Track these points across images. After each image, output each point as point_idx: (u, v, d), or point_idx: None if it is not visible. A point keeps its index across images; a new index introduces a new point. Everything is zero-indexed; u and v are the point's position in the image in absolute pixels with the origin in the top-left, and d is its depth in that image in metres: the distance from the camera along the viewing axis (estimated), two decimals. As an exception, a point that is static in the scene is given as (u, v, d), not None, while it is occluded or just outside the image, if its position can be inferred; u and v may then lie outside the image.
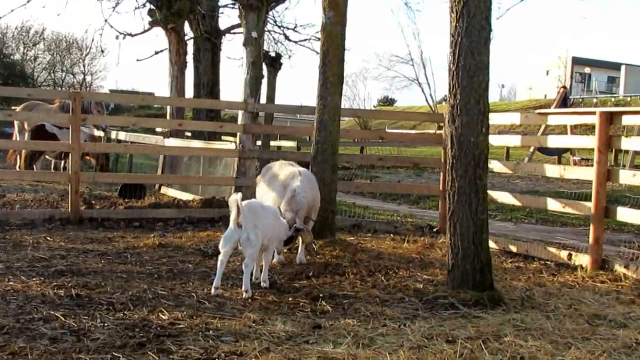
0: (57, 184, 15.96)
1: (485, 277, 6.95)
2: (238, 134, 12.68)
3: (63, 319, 5.87)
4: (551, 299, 7.08)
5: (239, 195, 6.94)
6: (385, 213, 14.90)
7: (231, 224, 6.98)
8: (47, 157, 18.60)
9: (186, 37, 22.56)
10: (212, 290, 6.99)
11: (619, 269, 8.34)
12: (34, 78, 70.12)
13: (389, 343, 5.47)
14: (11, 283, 7.09)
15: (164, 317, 6.07)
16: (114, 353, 5.05)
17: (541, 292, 7.43)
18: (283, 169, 9.29)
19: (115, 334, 5.51)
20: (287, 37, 27.61)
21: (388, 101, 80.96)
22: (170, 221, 11.74)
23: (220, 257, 7.08)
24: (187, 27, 22.57)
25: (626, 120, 8.93)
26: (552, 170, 10.47)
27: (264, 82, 20.01)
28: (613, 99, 55.52)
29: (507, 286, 7.65)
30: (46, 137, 16.89)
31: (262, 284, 7.40)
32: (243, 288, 6.97)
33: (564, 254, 9.15)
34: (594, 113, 8.91)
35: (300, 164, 9.92)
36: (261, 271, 7.55)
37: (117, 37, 22.73)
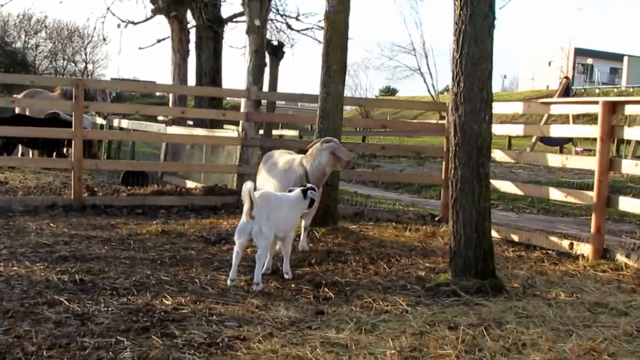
0: (58, 171, 15.98)
1: (487, 264, 6.97)
2: (241, 121, 12.69)
3: (67, 303, 5.91)
4: (553, 287, 7.10)
5: (251, 185, 6.76)
6: (387, 202, 14.92)
7: (244, 216, 6.86)
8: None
9: (188, 25, 22.59)
10: (229, 282, 6.88)
11: (621, 258, 8.36)
12: (35, 66, 70.17)
13: (392, 329, 5.51)
14: (15, 268, 7.14)
15: (167, 302, 6.11)
16: (118, 337, 5.08)
17: (543, 280, 7.46)
18: (282, 157, 9.37)
19: (119, 319, 5.56)
20: (289, 26, 27.68)
21: (390, 91, 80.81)
22: (173, 208, 11.77)
23: (235, 249, 6.98)
24: (189, 15, 22.59)
25: (629, 110, 8.96)
26: (555, 159, 10.50)
27: (266, 70, 20.05)
28: (615, 90, 55.43)
29: (509, 274, 7.69)
30: (61, 125, 16.70)
31: (285, 276, 7.28)
32: (254, 280, 6.82)
33: (565, 243, 9.18)
34: (596, 102, 8.92)
35: (303, 153, 9.95)
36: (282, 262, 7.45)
37: (119, 26, 22.85)
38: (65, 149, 16.93)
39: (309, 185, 7.79)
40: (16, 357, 4.65)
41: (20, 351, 4.73)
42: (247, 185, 6.74)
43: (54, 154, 16.95)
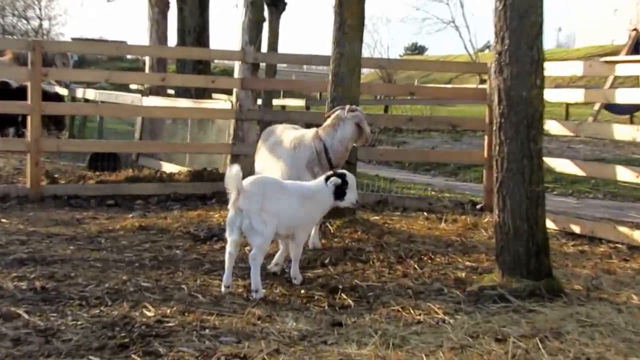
0: (10, 154, 16.00)
1: (542, 262, 6.98)
2: (234, 90, 12.67)
3: (27, 316, 5.95)
4: (623, 289, 7.12)
5: (237, 169, 6.66)
6: (416, 187, 14.95)
7: (230, 208, 6.82)
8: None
9: (168, -28, 22.52)
10: (223, 289, 6.90)
11: None
12: (-22, 25, 70.16)
13: (426, 343, 5.52)
14: (-39, 275, 7.19)
15: (149, 313, 6.15)
16: (90, 356, 5.13)
17: (610, 280, 7.48)
18: (287, 133, 9.24)
19: (91, 334, 5.59)
20: (292, -29, 27.56)
21: (417, 49, 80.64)
22: (152, 198, 11.82)
23: (227, 248, 6.94)
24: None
25: None
26: (623, 132, 10.48)
27: (265, 26, 20.03)
28: (698, 44, 55.06)
29: (569, 274, 7.71)
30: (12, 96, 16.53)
31: (293, 281, 7.29)
32: (252, 287, 6.81)
33: (637, 234, 9.17)
34: (675, 60, 8.90)
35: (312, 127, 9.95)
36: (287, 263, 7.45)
37: (82, -27, 22.74)
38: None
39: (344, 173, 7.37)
40: (-33, 383, 4.70)
41: (-29, 376, 4.79)
42: (232, 170, 6.68)
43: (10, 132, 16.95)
